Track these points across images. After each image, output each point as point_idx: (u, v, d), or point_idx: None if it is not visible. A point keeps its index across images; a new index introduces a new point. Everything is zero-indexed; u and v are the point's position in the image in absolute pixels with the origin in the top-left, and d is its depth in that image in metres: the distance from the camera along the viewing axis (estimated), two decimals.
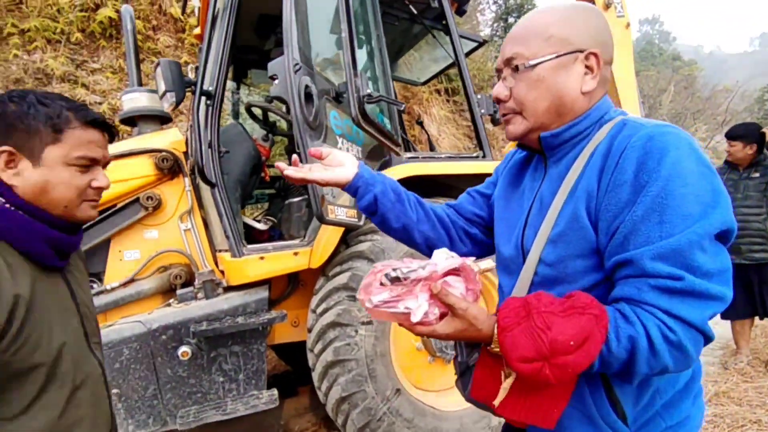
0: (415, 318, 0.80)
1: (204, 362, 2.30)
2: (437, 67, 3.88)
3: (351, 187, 1.11)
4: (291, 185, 3.26)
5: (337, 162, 1.12)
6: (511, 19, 16.61)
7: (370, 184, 1.11)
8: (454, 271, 0.85)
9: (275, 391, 2.39)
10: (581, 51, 0.87)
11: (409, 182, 2.59)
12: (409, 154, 2.78)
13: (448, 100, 7.79)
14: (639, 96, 4.84)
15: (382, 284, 0.82)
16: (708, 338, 0.76)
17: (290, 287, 2.75)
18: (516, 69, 0.90)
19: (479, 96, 3.08)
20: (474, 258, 0.89)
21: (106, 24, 5.06)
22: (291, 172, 1.09)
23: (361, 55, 2.52)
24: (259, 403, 2.30)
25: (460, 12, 3.27)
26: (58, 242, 0.97)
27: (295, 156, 1.15)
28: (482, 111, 3.05)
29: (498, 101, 0.96)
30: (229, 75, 3.79)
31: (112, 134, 1.04)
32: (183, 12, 3.89)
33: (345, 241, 2.47)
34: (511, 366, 0.77)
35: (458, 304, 0.81)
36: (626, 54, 4.54)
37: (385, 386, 2.36)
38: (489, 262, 0.90)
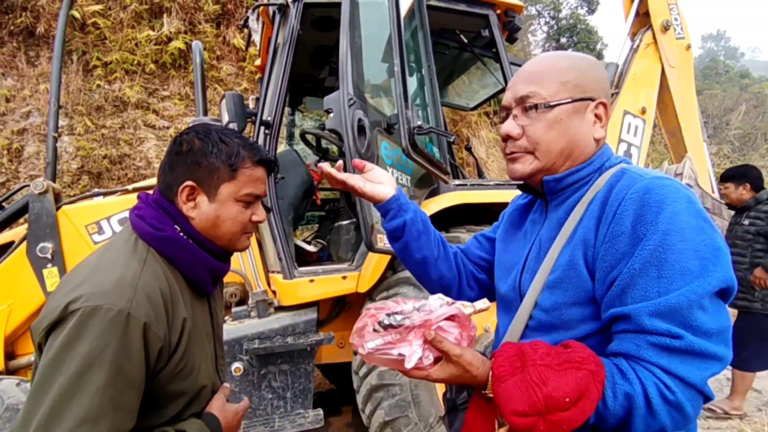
0: (409, 364, 0.80)
1: (255, 379, 2.40)
2: (486, 92, 3.90)
3: (384, 206, 1.12)
4: (341, 208, 3.36)
5: (377, 179, 1.13)
6: (563, 40, 16.37)
7: (403, 210, 1.11)
8: (449, 317, 0.85)
9: (321, 411, 2.44)
10: (593, 99, 0.90)
11: (457, 210, 2.62)
12: (457, 182, 2.81)
13: (497, 123, 7.74)
14: (701, 118, 4.62)
15: (375, 330, 0.82)
16: (707, 398, 0.74)
17: (337, 309, 2.82)
18: (532, 108, 0.90)
19: None
20: (468, 302, 0.89)
21: (176, 55, 5.49)
22: (334, 171, 1.12)
23: (412, 83, 2.60)
24: (305, 421, 2.37)
25: (511, 39, 3.30)
26: (217, 271, 1.05)
27: (339, 161, 1.18)
28: None
29: (508, 138, 0.94)
30: (286, 101, 4.00)
31: (272, 170, 1.10)
32: (247, 47, 4.17)
33: (392, 267, 2.52)
34: (504, 417, 0.76)
35: (452, 351, 0.80)
36: (687, 76, 4.38)
37: (428, 413, 2.36)
38: (485, 302, 0.89)
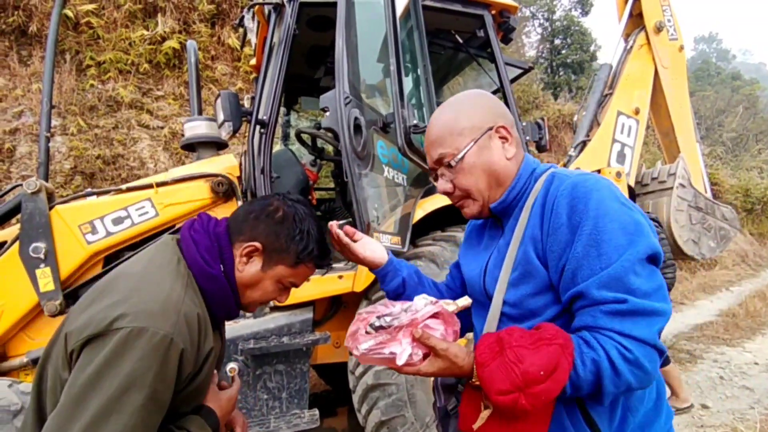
0: (400, 361, 0.87)
1: (250, 379, 2.39)
2: None
3: (383, 270, 1.23)
4: (336, 208, 3.36)
5: (370, 247, 1.24)
6: (557, 41, 16.46)
7: (398, 269, 1.24)
8: (434, 315, 0.91)
9: (316, 411, 2.43)
10: (490, 128, 1.01)
11: (453, 209, 2.62)
12: None
13: None
14: (693, 119, 4.65)
15: (367, 332, 0.89)
16: (661, 352, 0.84)
17: (333, 309, 2.81)
18: (449, 166, 1.03)
19: (524, 123, 3.07)
20: (450, 300, 0.97)
21: (171, 55, 5.46)
22: (341, 234, 1.20)
23: (408, 83, 2.60)
24: (300, 422, 2.35)
25: (506, 40, 3.31)
26: (233, 316, 1.11)
27: (348, 228, 1.26)
28: (527, 137, 3.05)
29: (446, 194, 1.08)
30: (281, 101, 3.99)
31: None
32: (242, 46, 4.16)
33: None
34: (489, 399, 0.83)
35: (438, 345, 0.88)
36: (680, 77, 4.41)
37: (424, 413, 2.36)
38: (466, 299, 0.97)
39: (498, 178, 1.03)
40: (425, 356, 0.89)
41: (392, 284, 1.23)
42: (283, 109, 4.15)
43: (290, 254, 1.05)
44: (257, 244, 1.03)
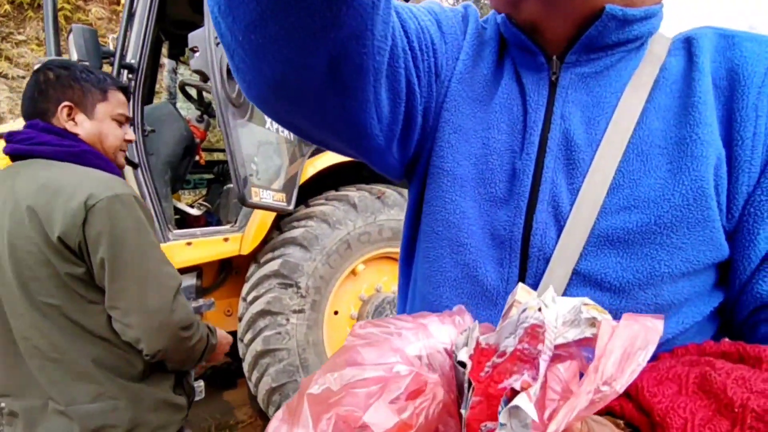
0: None
1: None
2: None
3: None
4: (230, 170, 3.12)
5: None
6: None
7: None
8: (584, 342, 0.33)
9: (201, 383, 2.24)
10: None
11: (347, 167, 2.54)
12: None
13: None
14: None
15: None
16: None
17: (223, 275, 2.64)
18: None
19: None
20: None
21: None
22: None
23: None
24: None
25: None
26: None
27: None
28: None
29: None
30: (165, 52, 3.58)
31: (128, 98, 1.24)
32: None
33: (278, 227, 2.38)
34: None
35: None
36: None
37: None
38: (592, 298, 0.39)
39: None
40: None
41: None
42: (171, 62, 3.73)
43: (94, 91, 1.11)
44: (67, 103, 1.07)
